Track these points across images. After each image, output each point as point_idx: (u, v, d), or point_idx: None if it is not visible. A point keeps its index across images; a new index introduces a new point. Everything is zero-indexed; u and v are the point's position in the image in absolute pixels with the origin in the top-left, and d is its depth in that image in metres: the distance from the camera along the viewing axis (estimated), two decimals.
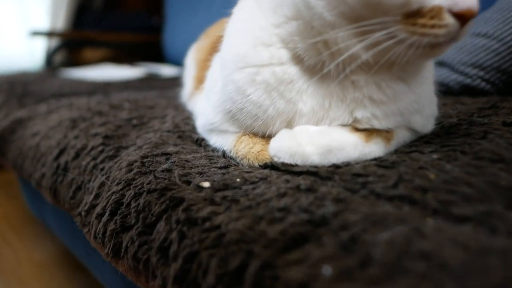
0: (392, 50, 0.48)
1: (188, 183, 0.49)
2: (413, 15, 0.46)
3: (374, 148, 0.56)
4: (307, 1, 0.50)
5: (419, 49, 0.47)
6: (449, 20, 0.45)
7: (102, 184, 0.58)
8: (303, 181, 0.46)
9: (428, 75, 0.60)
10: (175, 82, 1.37)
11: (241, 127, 0.60)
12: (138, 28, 3.13)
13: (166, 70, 2.23)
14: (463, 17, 0.45)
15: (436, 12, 0.45)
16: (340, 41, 0.49)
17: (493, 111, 0.75)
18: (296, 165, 0.52)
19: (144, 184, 0.52)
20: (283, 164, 0.52)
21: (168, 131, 0.73)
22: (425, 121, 0.62)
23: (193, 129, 0.75)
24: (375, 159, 0.53)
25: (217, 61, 0.67)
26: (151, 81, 1.91)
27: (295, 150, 0.53)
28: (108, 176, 0.58)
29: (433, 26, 0.45)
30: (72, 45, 3.08)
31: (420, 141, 0.59)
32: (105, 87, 1.67)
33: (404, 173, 0.45)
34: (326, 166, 0.51)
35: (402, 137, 0.60)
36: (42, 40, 2.81)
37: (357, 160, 0.54)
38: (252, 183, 0.48)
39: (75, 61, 3.13)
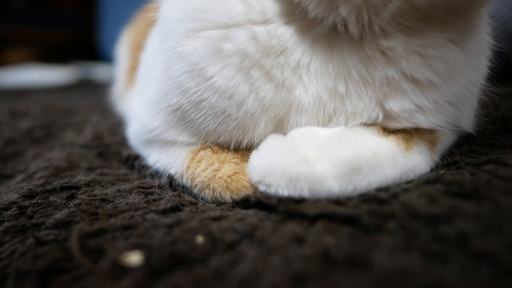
0: None
1: (99, 255, 0.24)
2: None
3: (418, 160, 0.34)
4: None
5: None
6: None
7: None
8: (332, 238, 0.23)
9: (486, 37, 0.39)
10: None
11: (197, 134, 0.36)
12: (69, 24, 2.76)
13: (101, 72, 1.92)
14: None
15: None
16: None
17: None
18: (303, 200, 0.29)
19: (14, 258, 0.26)
20: (279, 200, 0.29)
21: (84, 146, 0.48)
22: (472, 115, 0.41)
23: (124, 141, 0.50)
24: (427, 180, 0.31)
25: (155, 35, 0.43)
26: (82, 87, 1.57)
27: (298, 171, 0.30)
28: None
29: None
30: None
31: (476, 143, 0.38)
32: (21, 93, 1.35)
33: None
34: (357, 200, 0.28)
35: (446, 140, 0.39)
36: None
37: (397, 181, 0.32)
38: (229, 246, 0.24)
39: None
